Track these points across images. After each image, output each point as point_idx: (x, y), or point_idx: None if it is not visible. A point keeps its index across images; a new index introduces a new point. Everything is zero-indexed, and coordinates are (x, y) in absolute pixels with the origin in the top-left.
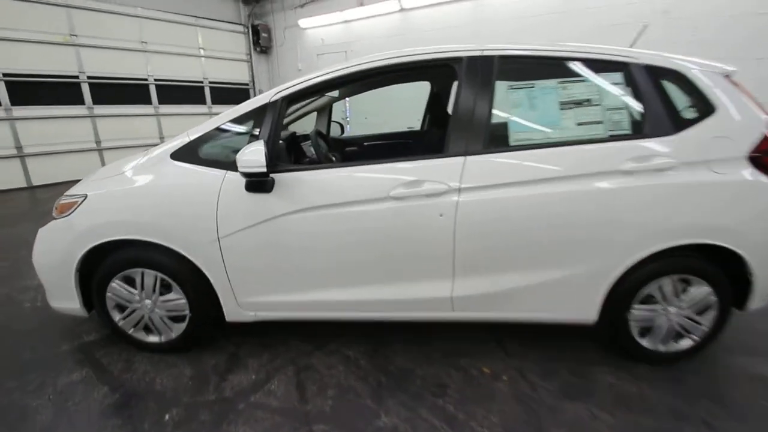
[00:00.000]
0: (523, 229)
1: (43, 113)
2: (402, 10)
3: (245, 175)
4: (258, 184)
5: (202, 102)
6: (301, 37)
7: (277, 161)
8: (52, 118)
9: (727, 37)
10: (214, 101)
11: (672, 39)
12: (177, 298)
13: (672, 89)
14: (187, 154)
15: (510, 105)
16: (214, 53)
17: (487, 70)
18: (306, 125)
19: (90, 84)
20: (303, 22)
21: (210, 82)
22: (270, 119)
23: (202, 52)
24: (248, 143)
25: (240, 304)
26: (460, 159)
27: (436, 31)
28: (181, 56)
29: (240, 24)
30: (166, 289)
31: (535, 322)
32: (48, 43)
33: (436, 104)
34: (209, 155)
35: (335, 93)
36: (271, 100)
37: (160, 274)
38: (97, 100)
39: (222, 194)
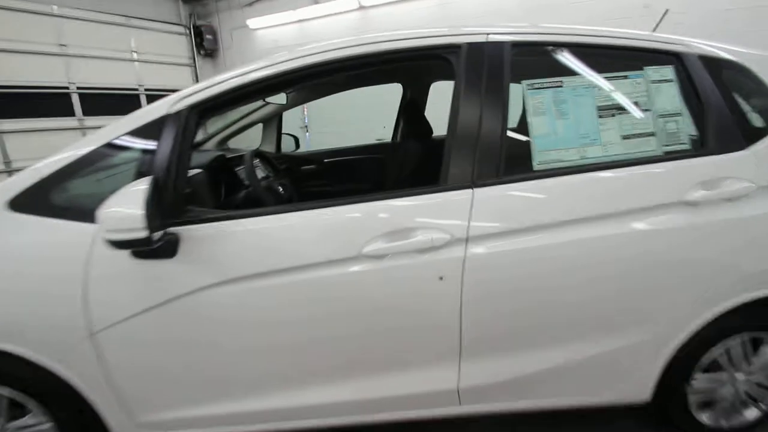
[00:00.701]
0: (557, 291)
1: None
2: (361, 8)
3: (112, 243)
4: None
5: None
6: (250, 38)
7: (187, 205)
8: None
9: (717, 30)
10: None
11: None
12: (37, 423)
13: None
14: (36, 199)
15: (531, 112)
16: (151, 57)
17: (497, 63)
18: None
19: None
20: (252, 23)
21: (146, 90)
22: (169, 141)
23: (135, 55)
24: (135, 179)
25: (139, 425)
26: (465, 193)
27: None
28: (109, 60)
29: (180, 24)
30: (20, 409)
31: (569, 408)
32: None
33: (412, 112)
34: (72, 201)
35: (279, 98)
36: (172, 111)
37: (6, 392)
38: (4, 113)
39: (94, 263)
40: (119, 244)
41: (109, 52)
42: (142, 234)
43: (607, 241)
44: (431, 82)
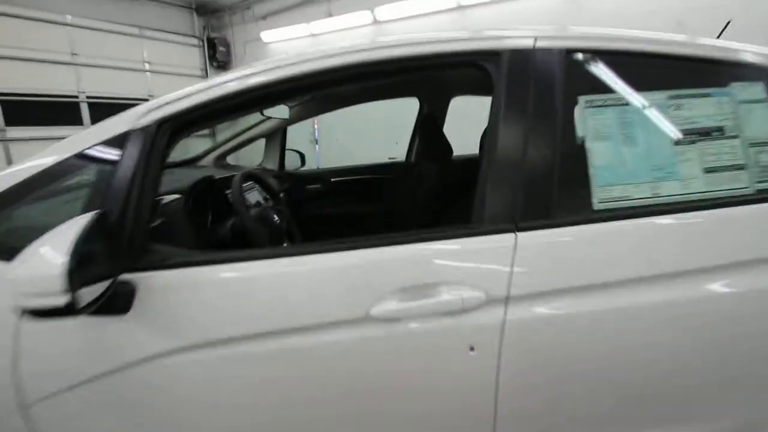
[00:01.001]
0: (623, 368)
1: None
2: (376, 22)
3: (25, 311)
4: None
5: None
6: (263, 51)
7: (152, 243)
8: None
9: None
10: None
11: None
12: None
13: None
14: None
15: (590, 136)
16: (163, 68)
17: (548, 74)
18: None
19: (1, 101)
20: (265, 36)
21: None
22: (130, 163)
23: (147, 66)
24: (84, 211)
25: None
26: (505, 238)
27: None
28: (121, 71)
29: (194, 36)
30: None
31: None
32: None
33: (429, 129)
34: (8, 237)
35: (280, 112)
36: (137, 126)
37: None
38: (11, 120)
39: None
40: (35, 313)
41: (120, 62)
42: (59, 301)
43: (688, 304)
44: (452, 97)
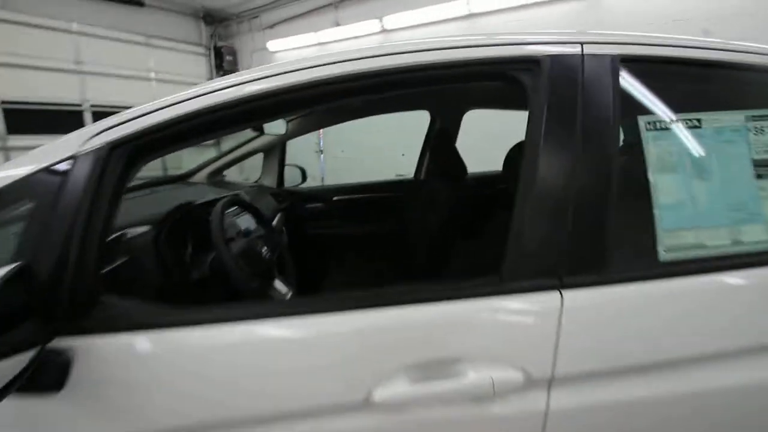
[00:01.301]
0: None
1: None
2: (384, 31)
3: None
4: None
5: None
6: (270, 60)
7: (104, 293)
8: None
9: None
10: None
11: None
12: None
13: None
14: None
15: (653, 166)
16: (169, 76)
17: (599, 88)
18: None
19: (4, 110)
20: (272, 45)
21: None
22: (74, 196)
23: (153, 75)
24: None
25: None
26: (547, 299)
27: None
28: (127, 79)
29: (201, 45)
30: None
31: None
32: None
33: (442, 144)
34: None
35: (276, 127)
36: (84, 150)
37: None
38: (13, 128)
39: None
40: None
41: (126, 71)
42: None
43: None
44: (467, 110)
